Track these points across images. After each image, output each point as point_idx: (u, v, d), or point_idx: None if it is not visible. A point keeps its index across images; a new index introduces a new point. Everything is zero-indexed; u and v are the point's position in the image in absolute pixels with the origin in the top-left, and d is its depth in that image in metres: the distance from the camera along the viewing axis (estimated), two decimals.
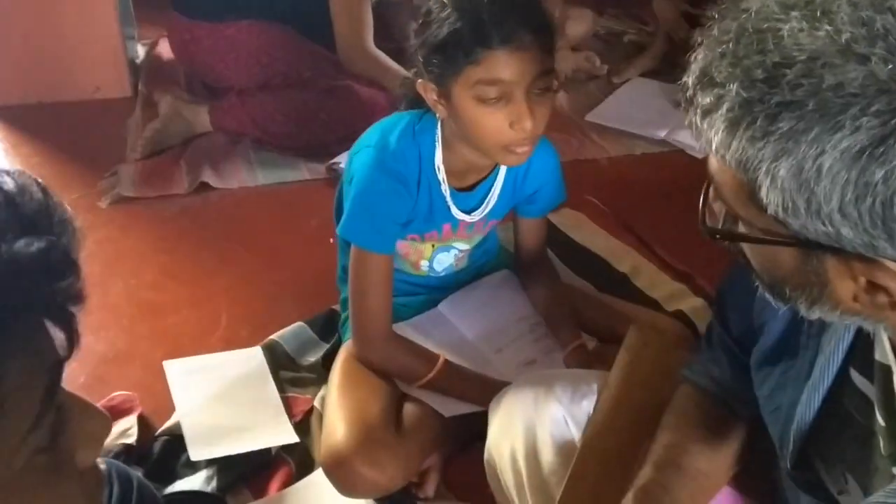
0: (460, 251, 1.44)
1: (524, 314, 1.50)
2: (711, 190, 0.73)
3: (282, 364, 1.52)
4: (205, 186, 2.08)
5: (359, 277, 1.29)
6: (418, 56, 1.22)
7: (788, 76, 0.59)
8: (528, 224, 1.47)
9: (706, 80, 0.65)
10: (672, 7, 2.74)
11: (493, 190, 1.36)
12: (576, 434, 1.06)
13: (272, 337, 1.57)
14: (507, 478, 1.08)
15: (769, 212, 0.63)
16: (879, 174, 0.56)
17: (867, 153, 0.56)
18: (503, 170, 1.35)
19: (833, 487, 0.88)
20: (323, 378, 1.48)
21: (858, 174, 0.57)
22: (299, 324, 1.60)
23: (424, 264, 1.43)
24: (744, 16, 0.63)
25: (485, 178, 1.35)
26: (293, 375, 1.50)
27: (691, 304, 1.75)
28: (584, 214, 2.02)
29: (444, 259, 1.43)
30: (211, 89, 2.39)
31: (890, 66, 0.56)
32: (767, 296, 0.74)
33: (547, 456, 1.05)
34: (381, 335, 1.31)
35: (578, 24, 2.82)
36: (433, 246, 1.40)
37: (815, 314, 0.71)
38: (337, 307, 1.64)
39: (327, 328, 1.60)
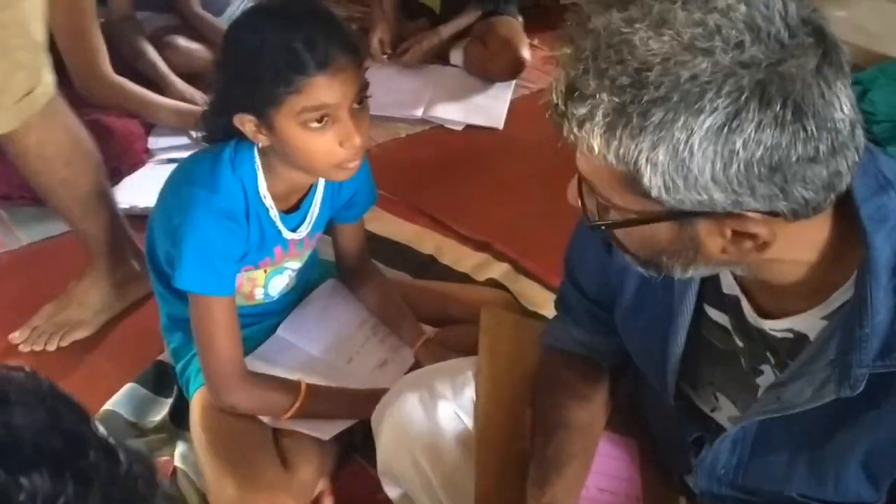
0: (293, 270, 1.43)
1: (362, 318, 1.52)
2: (584, 187, 0.81)
3: (124, 432, 1.43)
4: None
5: (205, 324, 1.24)
6: (229, 91, 1.18)
7: (651, 77, 0.68)
8: (347, 229, 1.50)
9: (576, 95, 0.72)
10: None
11: (314, 203, 1.37)
12: (468, 422, 1.13)
13: (105, 407, 1.46)
14: (413, 483, 1.12)
15: (653, 195, 0.72)
16: (739, 143, 0.67)
17: (727, 127, 0.67)
18: (321, 182, 1.36)
19: (706, 407, 1.02)
20: (175, 435, 1.42)
21: (723, 146, 0.68)
22: (129, 385, 1.51)
23: (259, 292, 1.41)
24: (593, 35, 0.72)
25: (306, 194, 1.35)
26: (142, 441, 1.41)
27: (499, 270, 1.88)
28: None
29: (278, 283, 1.42)
30: None
31: (730, 55, 0.67)
32: (641, 270, 0.84)
33: (449, 452, 1.10)
34: (237, 377, 1.28)
35: None
36: (266, 272, 1.38)
37: (688, 274, 0.82)
38: (163, 358, 1.56)
39: (161, 382, 1.52)
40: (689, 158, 0.69)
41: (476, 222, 2.03)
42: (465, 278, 1.86)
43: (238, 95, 1.17)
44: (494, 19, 2.78)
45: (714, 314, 0.95)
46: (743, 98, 0.66)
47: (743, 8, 0.68)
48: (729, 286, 0.91)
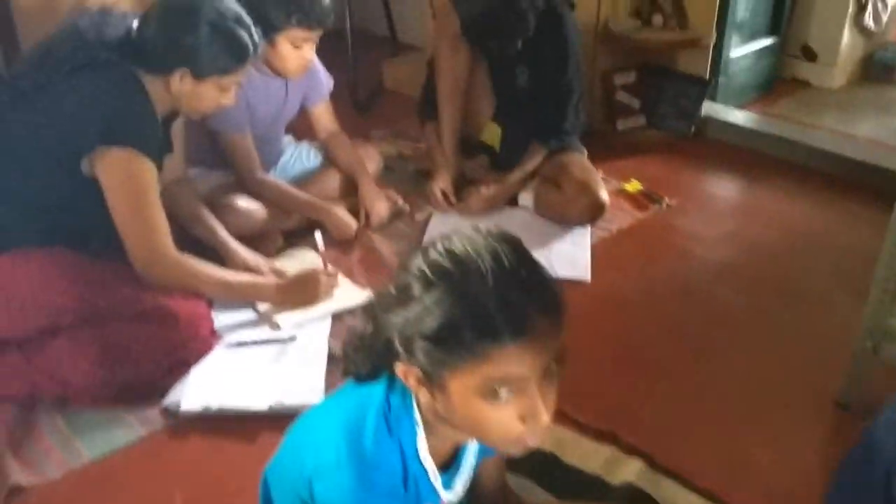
0: None
1: None
2: None
3: None
4: (17, 490, 1.60)
5: None
6: (395, 335, 0.97)
7: None
8: (488, 463, 1.27)
9: None
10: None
11: (468, 453, 1.15)
12: None
13: None
14: None
15: None
16: None
17: None
18: None
19: None
20: None
21: None
22: None
23: None
24: None
25: (460, 448, 1.13)
26: None
27: (633, 469, 1.64)
28: None
29: None
30: None
31: None
32: None
33: None
34: None
35: (370, 164, 2.67)
36: None
37: None
38: None
39: None
40: None
41: (590, 404, 1.80)
42: (596, 483, 1.62)
43: (405, 345, 0.96)
44: (563, 157, 2.63)
45: None
46: None
47: None
48: None
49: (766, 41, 3.58)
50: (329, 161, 2.62)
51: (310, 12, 2.23)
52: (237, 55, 1.93)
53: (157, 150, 1.95)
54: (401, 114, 3.35)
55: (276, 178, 2.53)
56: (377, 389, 1.07)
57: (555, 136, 2.65)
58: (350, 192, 2.60)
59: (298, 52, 2.29)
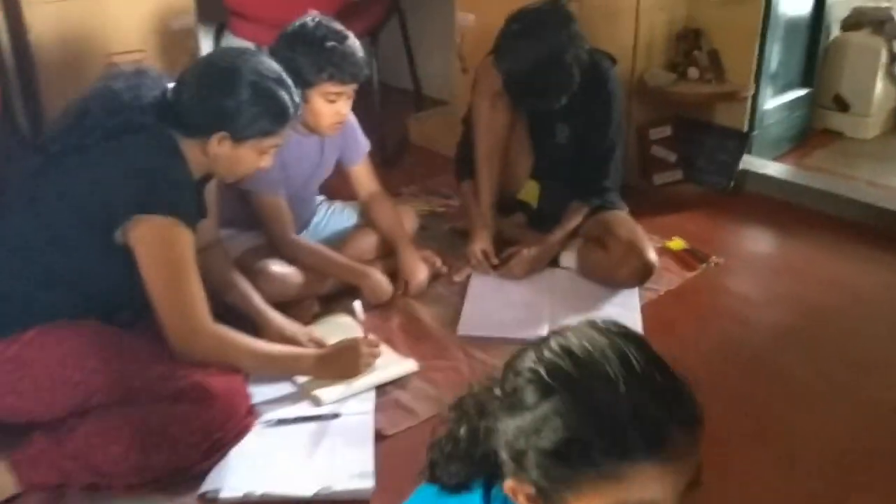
0: None
1: None
2: None
3: None
4: None
5: None
6: (502, 445, 0.86)
7: None
8: None
9: None
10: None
11: None
12: None
13: None
14: None
15: None
16: None
17: None
18: None
19: None
20: None
21: None
22: None
23: None
24: None
25: None
26: None
27: None
28: None
29: None
30: (5, 431, 1.76)
31: None
32: None
33: None
34: None
35: (406, 224, 2.57)
36: None
37: None
38: None
39: None
40: None
41: None
42: None
43: (520, 450, 0.84)
44: (606, 216, 2.53)
45: None
46: None
47: None
48: None
49: (800, 92, 3.51)
50: (369, 222, 2.51)
51: (343, 66, 2.15)
52: (279, 117, 1.84)
53: (194, 216, 1.85)
54: (428, 170, 3.27)
55: (309, 239, 2.43)
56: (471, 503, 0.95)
57: (596, 193, 2.55)
58: (386, 254, 2.50)
59: (333, 107, 2.20)
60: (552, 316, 2.29)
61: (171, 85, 1.84)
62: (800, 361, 2.14)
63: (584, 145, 2.52)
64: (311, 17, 2.21)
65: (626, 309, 2.34)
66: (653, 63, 3.03)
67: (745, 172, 3.11)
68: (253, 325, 2.06)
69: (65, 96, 2.78)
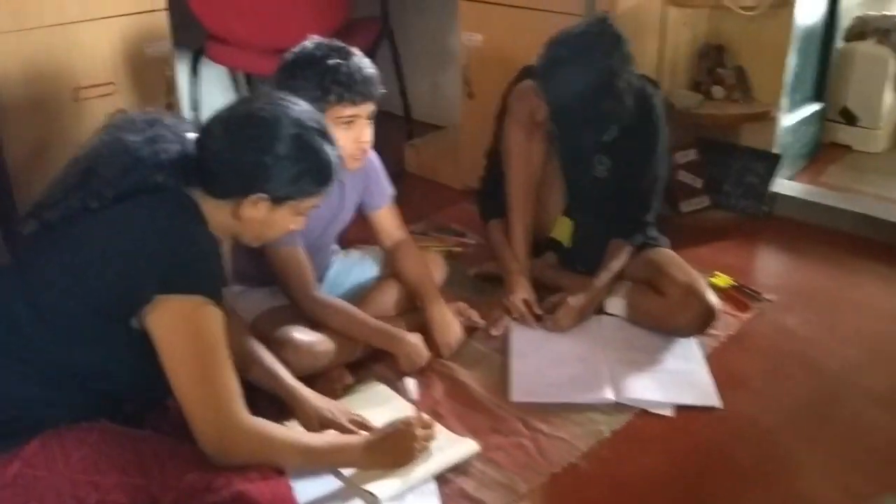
0: None
1: None
2: None
3: None
4: None
5: None
6: None
7: None
8: None
9: None
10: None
11: None
12: None
13: None
14: None
15: None
16: None
17: None
18: None
19: None
20: None
21: None
22: None
23: None
24: None
25: None
26: None
27: None
28: None
29: None
30: None
31: None
32: None
33: None
34: None
35: (436, 272, 2.29)
36: None
37: None
38: None
39: None
40: None
41: None
42: None
43: None
44: (653, 255, 2.30)
45: None
46: None
47: None
48: None
49: (815, 107, 3.36)
50: (395, 273, 2.22)
51: (350, 85, 1.86)
52: (323, 175, 1.56)
53: (220, 290, 1.55)
54: (431, 202, 3.00)
55: (330, 295, 2.12)
56: None
57: (639, 230, 2.33)
58: (409, 308, 2.21)
59: (350, 133, 1.90)
60: (611, 372, 2.04)
61: (191, 136, 1.54)
62: (890, 414, 1.94)
63: (626, 178, 2.29)
64: (310, 39, 1.93)
65: (690, 362, 2.11)
66: (677, 82, 2.82)
67: (774, 195, 2.92)
68: (277, 401, 1.77)
69: (28, 137, 2.46)
